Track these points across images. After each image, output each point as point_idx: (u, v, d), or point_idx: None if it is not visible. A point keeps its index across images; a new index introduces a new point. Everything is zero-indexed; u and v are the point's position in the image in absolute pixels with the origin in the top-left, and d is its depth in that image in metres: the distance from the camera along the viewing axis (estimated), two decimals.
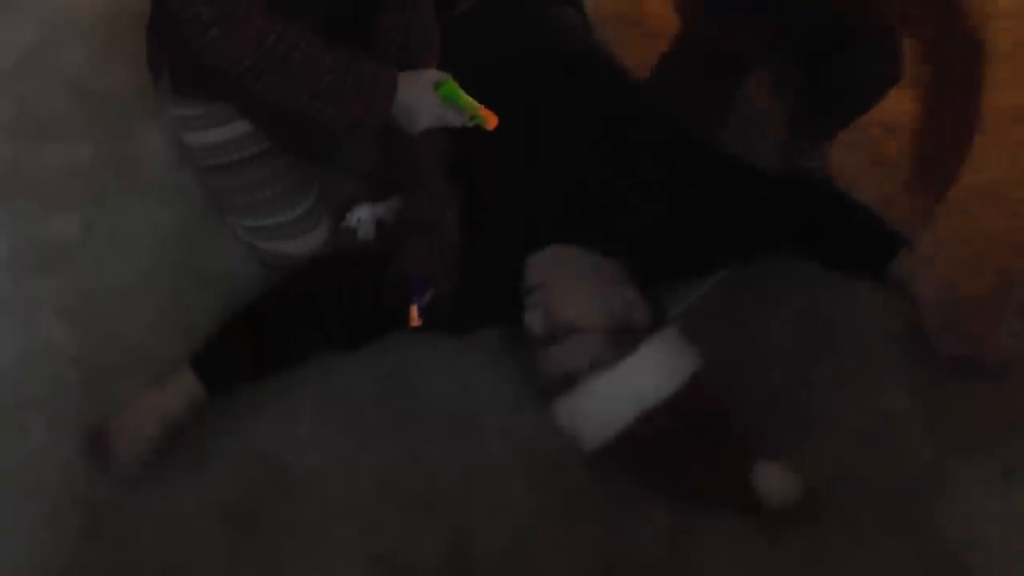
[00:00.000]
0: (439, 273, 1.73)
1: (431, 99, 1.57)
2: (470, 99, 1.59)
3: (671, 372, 1.70)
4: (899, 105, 2.27)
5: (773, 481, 1.68)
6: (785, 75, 2.16)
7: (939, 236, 2.05)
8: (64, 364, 1.87)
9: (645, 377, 1.69)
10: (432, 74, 1.60)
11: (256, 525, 1.73)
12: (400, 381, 1.88)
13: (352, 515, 1.75)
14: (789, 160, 2.11)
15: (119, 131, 2.16)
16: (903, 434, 1.85)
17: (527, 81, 1.87)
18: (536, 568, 1.72)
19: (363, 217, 2.00)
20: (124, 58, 2.27)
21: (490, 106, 1.60)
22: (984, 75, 1.82)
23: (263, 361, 1.77)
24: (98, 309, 1.93)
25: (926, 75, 1.92)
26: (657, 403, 1.66)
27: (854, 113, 2.03)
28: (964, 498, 1.77)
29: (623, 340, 1.70)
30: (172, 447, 1.73)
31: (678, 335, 1.76)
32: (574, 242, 1.81)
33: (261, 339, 1.76)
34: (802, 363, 1.94)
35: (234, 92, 1.69)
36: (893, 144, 2.22)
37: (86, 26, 2.37)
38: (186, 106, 1.82)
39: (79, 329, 1.91)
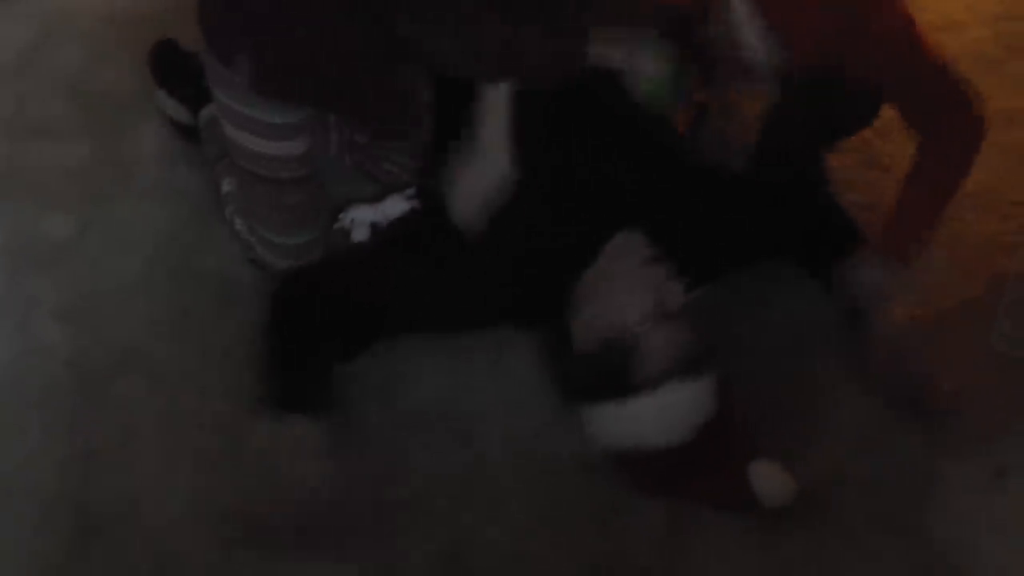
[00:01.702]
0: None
1: None
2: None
3: (694, 418, 1.70)
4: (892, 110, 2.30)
5: (768, 481, 1.69)
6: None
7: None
8: (59, 364, 1.87)
9: (669, 416, 1.69)
10: None
11: (250, 528, 1.72)
12: (396, 383, 1.88)
13: (345, 520, 1.74)
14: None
15: (115, 131, 2.17)
16: (895, 434, 1.86)
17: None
18: (533, 572, 1.72)
19: (357, 218, 2.00)
20: (121, 58, 2.28)
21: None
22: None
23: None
24: (93, 309, 1.93)
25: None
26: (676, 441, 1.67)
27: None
28: (956, 499, 1.78)
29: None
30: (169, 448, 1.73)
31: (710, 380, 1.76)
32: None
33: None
34: (795, 363, 1.94)
35: (324, 85, 1.66)
36: (887, 147, 2.22)
37: (83, 26, 2.37)
38: (260, 107, 1.70)
39: (74, 329, 1.91)
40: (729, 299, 1.95)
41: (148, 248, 2.00)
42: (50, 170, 2.10)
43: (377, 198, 2.01)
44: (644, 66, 1.67)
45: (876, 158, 2.21)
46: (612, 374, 1.68)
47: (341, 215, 2.00)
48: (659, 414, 1.68)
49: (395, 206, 1.99)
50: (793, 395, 1.90)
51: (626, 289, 1.70)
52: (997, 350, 1.85)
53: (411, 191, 1.98)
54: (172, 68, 2.11)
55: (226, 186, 1.97)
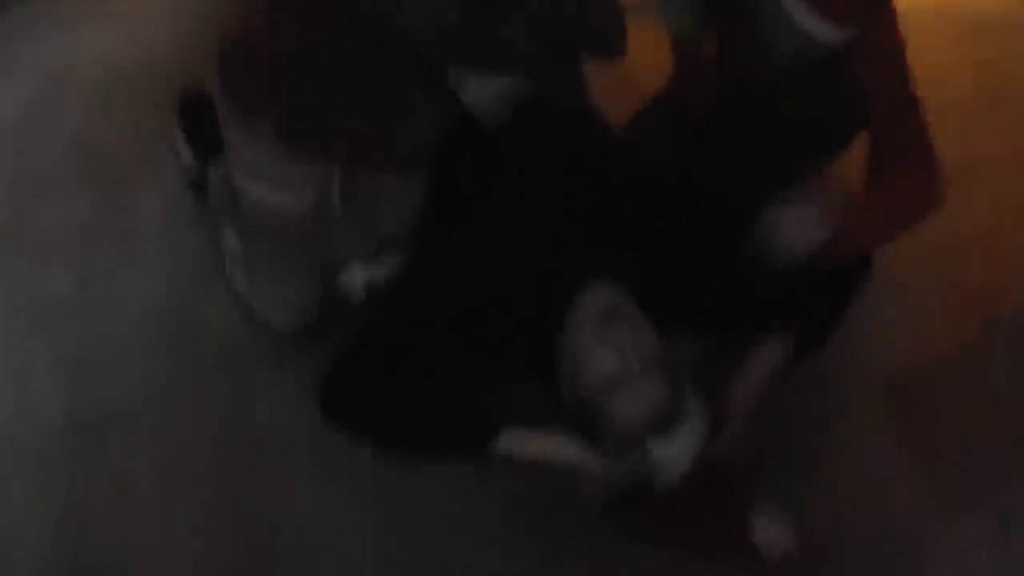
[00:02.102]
0: None
1: None
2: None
3: (677, 470, 1.69)
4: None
5: (768, 531, 1.69)
6: None
7: (922, 285, 2.08)
8: (56, 420, 1.87)
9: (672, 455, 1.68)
10: None
11: None
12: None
13: None
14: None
15: (117, 188, 2.19)
16: (896, 485, 1.86)
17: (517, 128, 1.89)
18: None
19: (354, 278, 2.01)
20: (123, 115, 2.31)
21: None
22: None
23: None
24: (92, 365, 1.94)
25: None
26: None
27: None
28: (962, 549, 1.77)
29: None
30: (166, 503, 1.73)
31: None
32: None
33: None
34: (794, 414, 1.95)
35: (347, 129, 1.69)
36: None
37: (85, 83, 2.39)
38: (275, 158, 1.71)
39: (72, 385, 1.91)
40: (722, 342, 1.96)
41: (148, 304, 2.01)
42: (51, 227, 2.11)
43: (374, 254, 2.03)
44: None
45: None
46: (590, 431, 1.68)
47: (339, 273, 2.01)
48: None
49: (390, 262, 2.00)
50: (793, 442, 1.90)
51: (590, 348, 1.69)
52: (994, 387, 1.85)
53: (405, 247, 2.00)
54: (195, 113, 2.14)
55: (229, 242, 1.98)
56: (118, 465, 1.83)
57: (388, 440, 1.70)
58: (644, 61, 2.51)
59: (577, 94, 1.95)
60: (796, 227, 1.74)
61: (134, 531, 1.75)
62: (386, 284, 1.98)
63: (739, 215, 1.87)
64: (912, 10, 2.01)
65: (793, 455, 1.88)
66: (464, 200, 1.85)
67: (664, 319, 1.73)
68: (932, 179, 1.78)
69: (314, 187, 1.78)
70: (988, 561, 1.75)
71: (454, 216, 1.86)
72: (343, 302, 2.00)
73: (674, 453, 1.62)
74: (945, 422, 1.85)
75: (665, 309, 1.75)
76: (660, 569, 1.75)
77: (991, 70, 2.58)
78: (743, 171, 1.93)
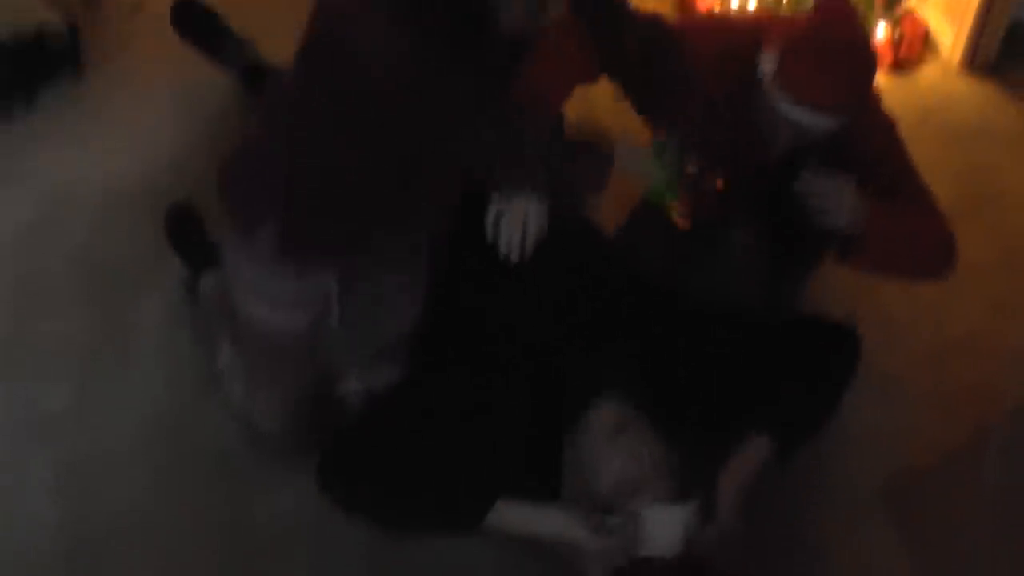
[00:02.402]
0: None
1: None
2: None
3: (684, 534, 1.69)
4: None
5: None
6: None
7: (916, 386, 2.10)
8: (51, 534, 1.86)
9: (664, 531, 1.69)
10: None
11: None
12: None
13: None
14: (772, 298, 2.15)
15: (116, 303, 2.21)
16: None
17: None
18: None
19: (352, 387, 2.02)
20: (124, 230, 2.35)
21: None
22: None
23: None
24: (88, 479, 1.94)
25: None
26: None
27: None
28: None
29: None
30: None
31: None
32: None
33: None
34: (793, 514, 1.94)
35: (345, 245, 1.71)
36: (865, 301, 2.28)
37: (86, 199, 2.44)
38: (281, 275, 1.72)
39: (67, 499, 1.91)
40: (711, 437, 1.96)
41: (145, 418, 2.02)
42: (49, 342, 2.13)
43: (371, 365, 2.04)
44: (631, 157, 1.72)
45: (857, 313, 2.26)
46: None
47: (337, 382, 2.02)
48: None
49: (388, 373, 2.01)
50: (793, 542, 1.89)
51: (607, 457, 1.72)
52: (988, 487, 1.85)
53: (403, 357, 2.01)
54: (183, 226, 2.18)
55: (224, 356, 2.00)
56: None
57: (383, 514, 1.73)
58: None
59: (573, 206, 2.00)
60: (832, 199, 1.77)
61: None
62: (384, 393, 1.99)
63: (733, 315, 1.91)
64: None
65: (792, 555, 1.87)
66: (464, 310, 1.88)
67: (662, 417, 1.78)
68: (949, 231, 1.85)
69: (313, 304, 1.80)
70: None
71: (454, 326, 1.88)
72: (340, 411, 2.01)
73: (666, 524, 1.64)
74: (942, 521, 1.85)
75: (663, 408, 1.79)
76: None
77: (973, 175, 2.65)
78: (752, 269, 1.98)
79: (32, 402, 2.03)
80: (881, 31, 2.96)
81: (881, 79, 2.97)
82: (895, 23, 2.97)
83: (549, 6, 1.54)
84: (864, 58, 1.77)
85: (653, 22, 1.89)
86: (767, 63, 1.76)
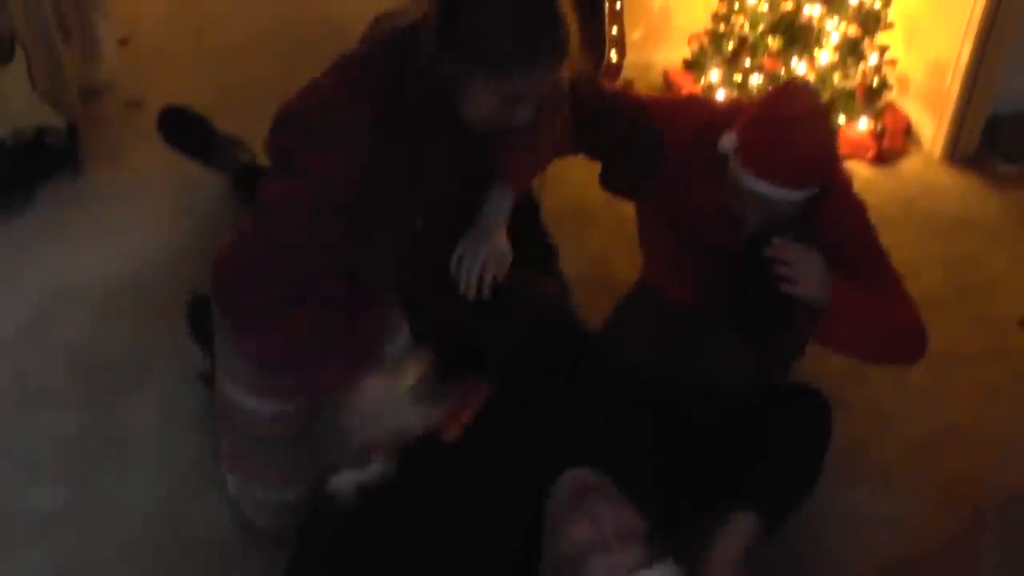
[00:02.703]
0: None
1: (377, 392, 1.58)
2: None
3: None
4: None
5: None
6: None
7: (908, 475, 2.11)
8: None
9: None
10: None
11: None
12: None
13: None
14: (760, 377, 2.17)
15: (112, 400, 2.22)
16: None
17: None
18: None
19: (344, 483, 2.01)
20: (121, 328, 2.38)
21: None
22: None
23: None
24: None
25: None
26: None
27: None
28: None
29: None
30: None
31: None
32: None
33: None
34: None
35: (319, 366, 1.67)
36: (857, 389, 2.30)
37: (84, 297, 2.47)
38: (268, 371, 1.72)
39: None
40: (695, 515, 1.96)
41: (138, 517, 2.00)
42: (44, 440, 2.13)
43: (362, 460, 2.04)
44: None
45: (848, 401, 2.28)
46: None
47: (330, 480, 2.02)
48: None
49: (381, 467, 2.01)
50: None
51: (566, 518, 1.71)
52: (983, 573, 1.84)
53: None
54: (202, 312, 2.16)
55: (224, 446, 2.00)
56: None
57: None
58: (618, 255, 2.64)
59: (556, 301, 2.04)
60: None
61: None
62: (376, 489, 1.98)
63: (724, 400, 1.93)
64: (879, 209, 2.12)
65: None
66: None
67: (633, 482, 1.75)
68: (918, 317, 1.85)
69: (296, 401, 1.81)
70: None
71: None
72: (332, 506, 2.00)
73: None
74: None
75: (632, 475, 1.77)
76: None
77: (958, 265, 2.70)
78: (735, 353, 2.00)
79: (26, 499, 2.02)
80: (863, 124, 3.04)
81: (864, 171, 3.05)
82: (877, 116, 3.05)
83: (518, 112, 1.55)
84: (820, 130, 1.81)
85: (634, 112, 1.95)
86: (728, 141, 1.82)
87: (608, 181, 2.11)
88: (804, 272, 1.76)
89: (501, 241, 1.83)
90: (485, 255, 1.81)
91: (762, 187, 1.78)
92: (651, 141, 1.98)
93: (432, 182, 1.66)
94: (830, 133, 1.84)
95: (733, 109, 1.98)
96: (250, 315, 1.59)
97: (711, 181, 1.90)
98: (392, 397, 1.54)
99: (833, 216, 1.87)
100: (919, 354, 1.89)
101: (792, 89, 1.85)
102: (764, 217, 1.84)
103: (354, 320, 1.62)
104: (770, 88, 2.00)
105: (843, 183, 1.94)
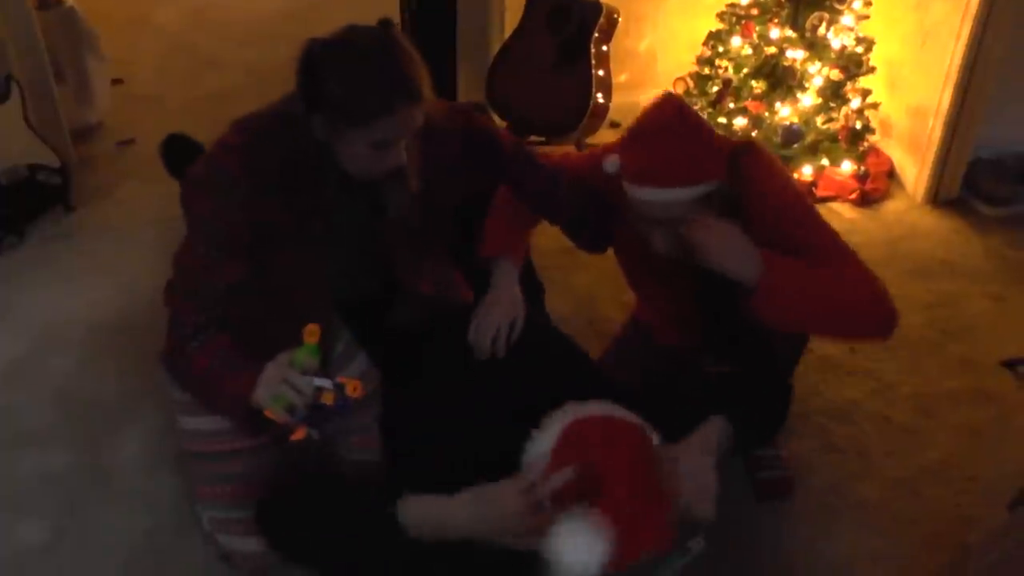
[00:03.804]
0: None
1: (271, 375, 1.66)
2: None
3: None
4: (843, 393, 2.41)
5: None
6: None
7: (892, 512, 2.12)
8: None
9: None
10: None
11: None
12: None
13: None
14: None
15: (98, 438, 2.22)
16: None
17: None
18: None
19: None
20: (108, 366, 2.39)
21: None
22: None
23: None
24: None
25: None
26: None
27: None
28: None
29: None
30: None
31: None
32: None
33: None
34: None
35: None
36: (843, 429, 2.32)
37: (72, 336, 2.49)
38: (181, 390, 1.87)
39: None
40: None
41: (123, 555, 1.99)
42: (29, 478, 2.13)
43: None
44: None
45: (833, 441, 2.30)
46: None
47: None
48: None
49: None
50: None
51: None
52: None
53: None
54: None
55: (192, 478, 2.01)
56: None
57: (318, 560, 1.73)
58: (604, 295, 2.66)
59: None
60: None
61: None
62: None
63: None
64: (863, 251, 2.12)
65: None
66: (428, 431, 1.90)
67: None
68: (875, 284, 1.83)
69: (241, 435, 1.86)
70: None
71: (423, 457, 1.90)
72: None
73: (577, 544, 1.59)
74: None
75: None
76: None
77: (941, 306, 2.73)
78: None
79: (10, 537, 2.01)
80: (846, 166, 3.09)
81: (848, 212, 3.09)
82: (860, 159, 3.10)
83: (390, 156, 1.71)
84: (685, 132, 1.84)
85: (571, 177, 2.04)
86: (612, 163, 1.89)
87: (578, 243, 2.16)
88: (720, 241, 1.79)
89: (514, 301, 2.00)
90: (498, 321, 1.95)
91: (646, 194, 1.84)
92: (596, 201, 2.06)
93: (340, 226, 1.84)
94: (698, 132, 1.87)
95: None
96: (170, 354, 1.78)
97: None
98: (284, 369, 1.64)
99: (759, 210, 1.88)
100: (883, 327, 1.85)
101: (659, 102, 1.90)
102: (667, 230, 1.87)
103: (266, 335, 1.72)
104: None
105: (758, 168, 1.93)
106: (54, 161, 2.89)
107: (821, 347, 2.53)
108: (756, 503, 2.13)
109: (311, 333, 1.65)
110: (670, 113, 1.85)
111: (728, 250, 1.79)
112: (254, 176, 1.71)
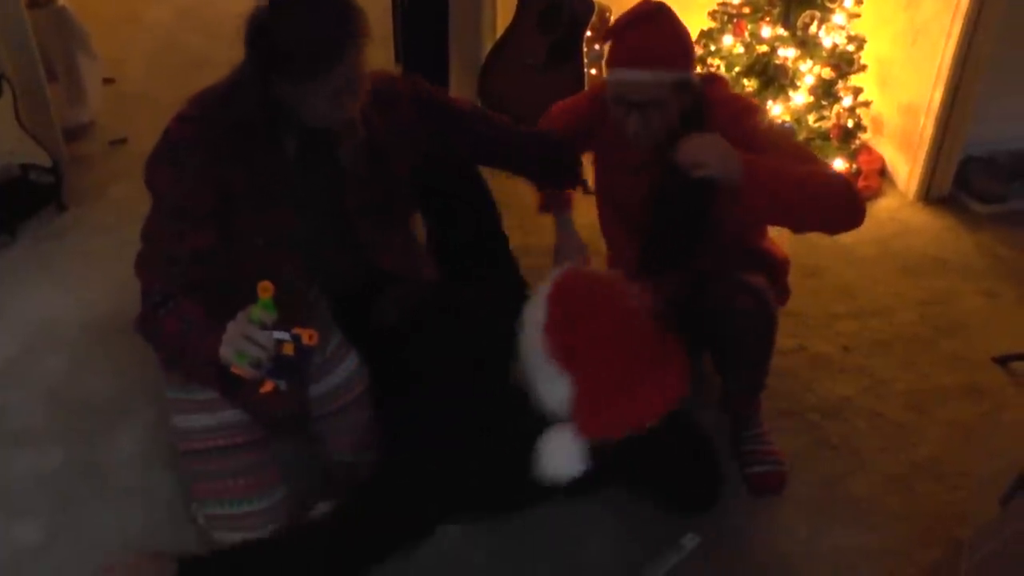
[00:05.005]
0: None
1: (232, 332, 1.67)
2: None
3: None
4: (836, 389, 2.42)
5: None
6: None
7: (885, 509, 2.12)
8: None
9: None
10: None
11: None
12: None
13: None
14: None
15: (91, 437, 2.22)
16: None
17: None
18: None
19: (320, 507, 2.01)
20: (100, 366, 2.39)
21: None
22: None
23: None
24: None
25: None
26: None
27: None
28: None
29: None
30: None
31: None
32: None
33: None
34: None
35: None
36: (835, 426, 2.33)
37: (65, 336, 2.49)
38: (177, 389, 1.89)
39: None
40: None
41: (116, 552, 1.99)
42: (23, 477, 2.13)
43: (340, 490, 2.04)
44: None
45: (826, 438, 2.30)
46: None
47: (312, 509, 2.01)
48: None
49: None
50: None
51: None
52: None
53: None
54: None
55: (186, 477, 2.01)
56: None
57: None
58: None
59: None
60: None
61: None
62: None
63: None
64: (855, 248, 2.15)
65: None
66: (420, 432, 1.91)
67: None
68: (841, 176, 1.99)
69: (220, 413, 1.88)
70: None
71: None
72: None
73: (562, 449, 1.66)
74: None
75: None
76: None
77: (933, 303, 2.74)
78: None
79: (5, 536, 2.01)
80: (838, 164, 3.09)
81: None
82: (852, 157, 3.10)
83: (345, 100, 1.77)
84: (663, 20, 2.01)
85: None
86: (601, 53, 2.11)
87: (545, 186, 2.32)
88: (708, 153, 1.86)
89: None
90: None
91: (627, 75, 1.98)
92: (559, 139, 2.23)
93: (301, 187, 1.89)
94: (676, 27, 2.02)
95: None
96: (143, 321, 1.79)
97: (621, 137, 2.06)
98: (244, 325, 1.66)
99: (729, 129, 1.95)
100: (856, 216, 1.95)
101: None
102: (642, 117, 2.00)
103: (238, 300, 1.72)
104: None
105: (726, 101, 2.08)
106: (46, 160, 2.89)
107: (814, 345, 2.54)
108: (748, 497, 2.14)
109: (265, 289, 1.66)
110: (653, 8, 2.03)
111: (712, 150, 1.88)
112: (209, 143, 1.77)
